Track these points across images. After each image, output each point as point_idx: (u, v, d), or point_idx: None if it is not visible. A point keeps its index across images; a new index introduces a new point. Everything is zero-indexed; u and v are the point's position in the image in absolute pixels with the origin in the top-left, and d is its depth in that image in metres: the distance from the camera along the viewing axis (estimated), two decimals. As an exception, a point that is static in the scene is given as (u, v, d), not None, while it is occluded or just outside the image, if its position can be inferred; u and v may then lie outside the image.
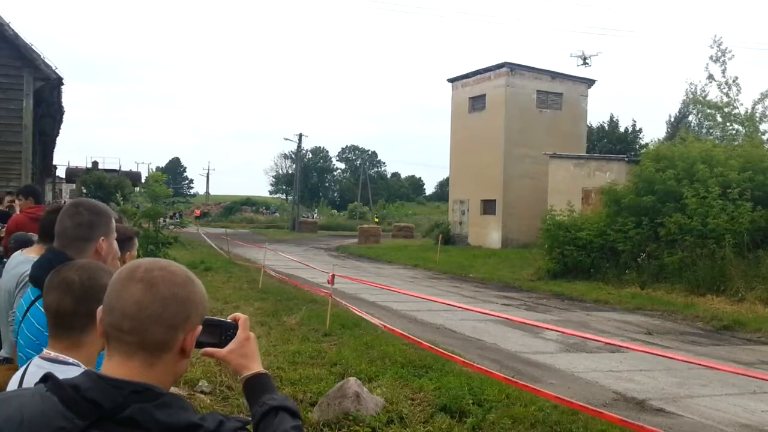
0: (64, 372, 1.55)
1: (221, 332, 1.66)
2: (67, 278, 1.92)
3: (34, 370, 1.79)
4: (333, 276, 11.17)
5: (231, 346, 1.65)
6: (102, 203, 2.56)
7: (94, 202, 2.53)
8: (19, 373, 1.89)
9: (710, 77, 28.27)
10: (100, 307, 1.44)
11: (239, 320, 1.69)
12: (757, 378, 5.69)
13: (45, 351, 1.89)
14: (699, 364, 5.42)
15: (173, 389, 1.46)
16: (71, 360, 1.86)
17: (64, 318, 1.90)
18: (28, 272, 2.63)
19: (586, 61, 43.66)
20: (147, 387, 1.35)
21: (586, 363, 9.53)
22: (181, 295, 1.41)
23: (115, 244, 2.60)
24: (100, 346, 1.82)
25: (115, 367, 1.38)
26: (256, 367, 1.69)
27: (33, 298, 2.48)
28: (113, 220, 2.52)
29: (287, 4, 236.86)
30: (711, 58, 28.16)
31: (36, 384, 1.40)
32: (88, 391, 1.32)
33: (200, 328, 1.47)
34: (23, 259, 3.37)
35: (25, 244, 5.68)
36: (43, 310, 1.97)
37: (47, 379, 1.39)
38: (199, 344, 1.56)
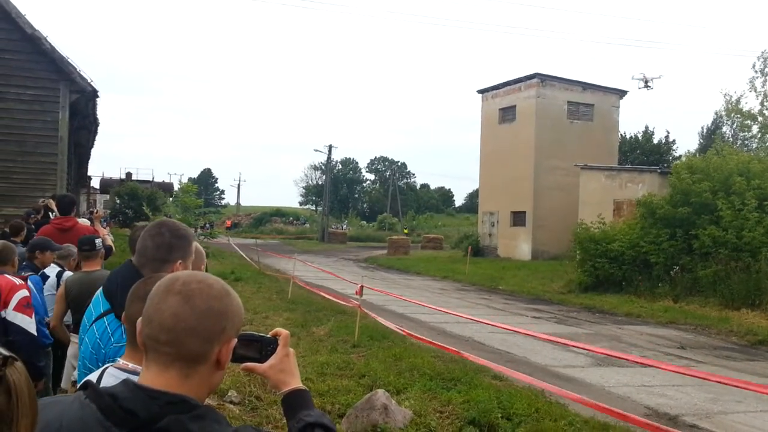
0: None
1: (262, 347, 1.68)
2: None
3: (110, 380, 1.80)
4: (362, 287, 11.18)
5: (271, 361, 1.67)
6: (185, 226, 2.59)
7: (177, 225, 2.56)
8: (92, 378, 1.92)
9: (753, 87, 28.09)
10: (140, 318, 1.46)
11: (280, 336, 1.71)
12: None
13: (122, 362, 1.90)
14: (732, 384, 5.30)
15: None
16: None
17: None
18: None
19: (648, 84, 41.86)
20: (182, 398, 1.37)
21: (618, 377, 9.39)
22: (217, 307, 1.43)
23: (190, 268, 2.63)
24: None
25: (152, 377, 1.40)
26: (295, 382, 1.71)
27: (102, 312, 2.53)
28: (193, 245, 2.56)
29: (319, 18, 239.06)
30: (754, 67, 28.07)
31: (77, 391, 1.43)
32: (125, 400, 1.35)
33: (235, 340, 1.48)
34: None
35: (37, 247, 5.84)
36: (122, 321, 1.98)
37: (87, 386, 1.42)
38: (240, 358, 1.60)
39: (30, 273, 5.57)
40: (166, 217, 17.35)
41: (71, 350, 4.75)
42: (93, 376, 1.90)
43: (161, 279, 1.50)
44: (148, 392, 1.36)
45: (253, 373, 1.70)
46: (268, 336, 1.71)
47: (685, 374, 7.00)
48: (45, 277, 5.71)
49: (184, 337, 1.39)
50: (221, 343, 1.44)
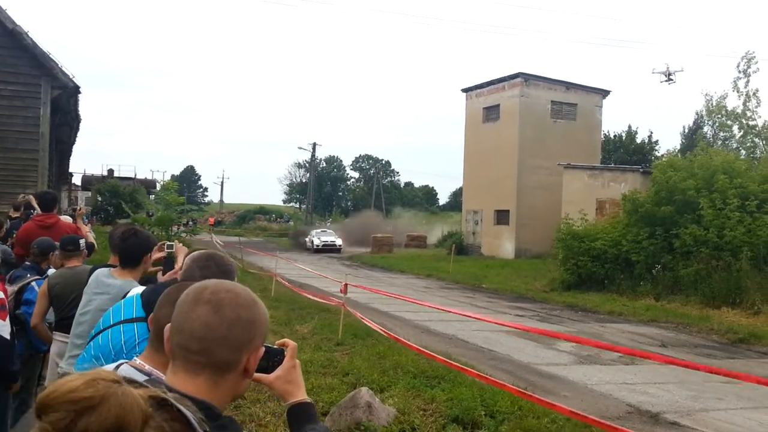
0: None
1: (269, 358, 1.69)
2: None
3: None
4: (346, 285, 11.17)
5: (278, 372, 1.69)
6: (231, 261, 2.67)
7: (224, 259, 2.63)
8: (109, 368, 1.90)
9: (735, 87, 28.37)
10: (168, 326, 1.48)
11: (287, 347, 1.73)
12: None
13: (139, 361, 1.90)
14: (716, 372, 5.36)
15: None
16: (163, 378, 1.89)
17: None
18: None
19: (671, 77, 40.12)
20: (209, 406, 1.38)
21: (600, 375, 9.45)
22: (245, 317, 1.45)
23: None
24: None
25: (181, 382, 1.41)
26: (301, 394, 1.73)
27: (134, 317, 2.53)
28: (236, 277, 2.62)
29: (302, 15, 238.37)
30: (738, 67, 28.35)
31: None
32: None
33: (263, 350, 1.51)
34: (123, 283, 3.53)
35: (49, 249, 5.74)
36: (148, 322, 2.00)
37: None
38: None
39: (36, 276, 5.49)
40: (143, 218, 17.13)
41: (54, 348, 4.69)
42: (109, 368, 1.89)
43: (190, 287, 1.52)
44: (177, 395, 1.38)
45: (259, 383, 1.70)
46: (276, 347, 1.72)
47: (670, 363, 7.07)
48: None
49: (214, 346, 1.41)
50: (249, 352, 1.46)
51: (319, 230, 48.54)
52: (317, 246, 42.39)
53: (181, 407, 1.09)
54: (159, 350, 1.90)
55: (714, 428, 7.15)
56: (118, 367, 1.87)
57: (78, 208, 9.01)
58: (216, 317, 1.42)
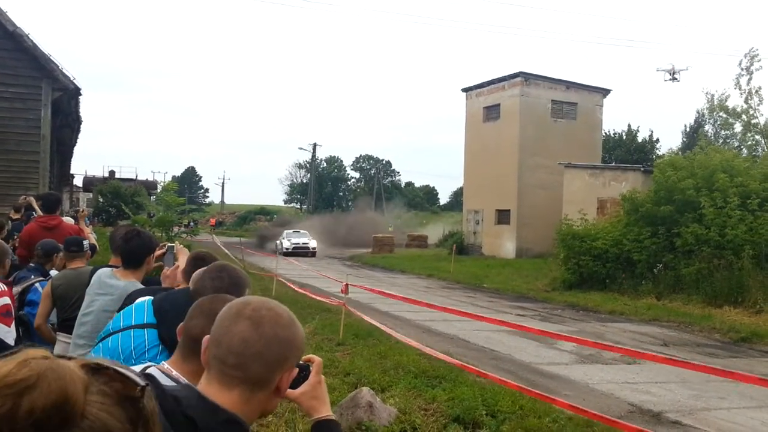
0: None
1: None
2: (217, 311, 1.96)
3: None
4: (347, 285, 11.18)
5: (304, 388, 1.70)
6: (242, 273, 2.69)
7: (236, 271, 2.65)
8: (136, 369, 1.91)
9: (737, 85, 28.31)
10: (206, 336, 1.50)
11: (313, 363, 1.74)
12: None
13: (167, 366, 1.92)
14: (714, 372, 5.36)
15: None
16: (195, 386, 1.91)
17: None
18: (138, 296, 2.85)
19: (675, 76, 39.99)
20: (238, 421, 1.41)
21: (602, 374, 9.45)
22: (283, 336, 1.48)
23: None
24: None
25: (214, 393, 1.44)
26: (326, 410, 1.75)
27: (145, 323, 2.55)
28: (247, 290, 2.65)
29: (303, 15, 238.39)
30: (740, 64, 28.28)
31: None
32: (189, 408, 1.38)
33: (296, 370, 1.54)
34: (127, 284, 3.57)
35: (53, 251, 5.75)
36: (177, 330, 2.02)
37: (150, 380, 1.42)
38: None
39: (40, 278, 5.50)
40: (144, 219, 17.11)
41: (58, 349, 4.69)
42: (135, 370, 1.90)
43: (232, 302, 1.54)
44: (212, 406, 1.40)
45: (285, 398, 1.70)
46: (301, 362, 1.73)
47: (670, 363, 7.06)
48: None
49: (250, 362, 1.44)
50: (284, 371, 1.49)
51: (290, 231, 43.36)
52: (287, 249, 37.09)
53: (116, 366, 1.08)
54: (187, 359, 1.93)
55: (716, 427, 7.15)
56: (144, 369, 1.89)
57: (80, 209, 9.03)
58: (255, 334, 1.45)
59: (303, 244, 39.01)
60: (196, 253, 3.51)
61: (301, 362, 1.72)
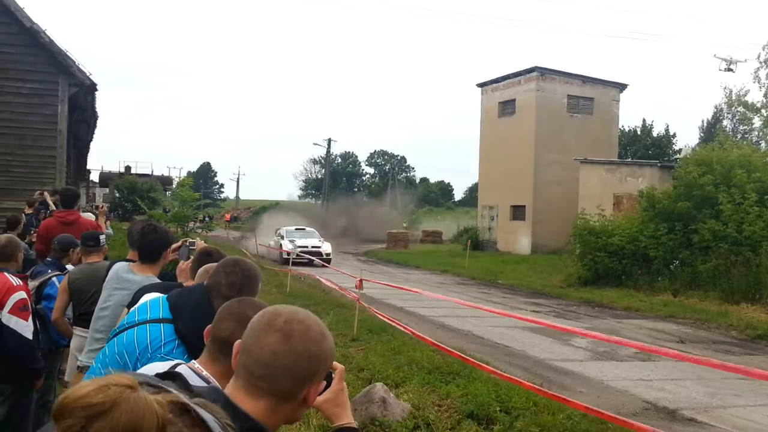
0: None
1: None
2: (246, 314, 1.95)
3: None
4: (361, 281, 11.19)
5: (326, 395, 1.70)
6: (255, 267, 2.70)
7: (249, 265, 2.66)
8: (164, 366, 1.94)
9: (756, 78, 27.91)
10: (238, 341, 1.52)
11: (335, 370, 1.74)
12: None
13: (197, 365, 1.94)
14: (733, 369, 5.32)
15: None
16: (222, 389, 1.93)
17: (231, 348, 1.95)
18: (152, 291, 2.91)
19: (731, 67, 37.33)
20: (263, 429, 1.43)
21: (616, 371, 9.41)
22: (313, 350, 1.49)
23: None
24: None
25: (241, 399, 1.45)
26: (347, 418, 1.75)
27: (161, 317, 2.58)
28: (260, 284, 2.68)
29: (319, 11, 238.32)
30: (758, 58, 27.88)
31: (164, 377, 1.45)
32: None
33: (324, 383, 1.55)
34: (143, 279, 3.74)
35: (69, 246, 5.80)
36: (205, 333, 2.03)
37: (176, 378, 1.45)
38: None
39: (57, 272, 5.55)
40: (159, 213, 17.24)
41: (74, 343, 4.74)
42: (162, 367, 1.92)
43: (264, 310, 1.55)
44: (237, 411, 1.41)
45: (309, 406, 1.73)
46: None
47: (689, 361, 7.00)
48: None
49: (279, 375, 1.45)
50: (312, 384, 1.50)
51: (292, 228, 31.75)
52: (290, 254, 22.01)
53: (201, 412, 1.10)
54: (216, 360, 1.95)
55: (731, 424, 7.10)
56: (174, 366, 1.91)
57: (100, 206, 9.12)
58: (285, 347, 1.45)
59: (313, 247, 27.73)
60: (203, 248, 3.54)
61: None
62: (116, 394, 1.00)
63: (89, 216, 8.12)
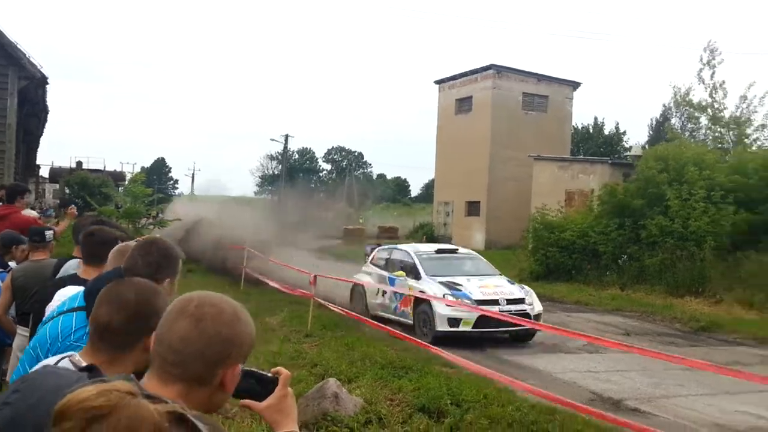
0: None
1: (262, 385, 1.69)
2: (124, 296, 1.93)
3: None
4: (315, 277, 11.20)
5: (269, 401, 1.68)
6: (174, 246, 2.64)
7: (166, 244, 2.61)
8: (51, 361, 1.91)
9: (700, 79, 28.47)
10: (154, 333, 1.50)
11: (281, 375, 1.73)
12: (729, 375, 5.79)
13: (78, 358, 1.88)
14: (676, 360, 5.51)
15: None
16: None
17: (112, 334, 1.90)
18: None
19: (711, 62, 38.19)
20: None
21: (564, 363, 9.63)
22: (225, 333, 1.46)
23: (176, 285, 2.68)
24: (134, 367, 1.84)
25: (153, 386, 1.43)
26: (291, 425, 1.71)
27: (75, 306, 2.53)
28: (180, 263, 2.61)
29: (275, 5, 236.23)
30: (701, 60, 28.40)
31: (80, 371, 1.43)
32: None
33: (240, 366, 1.52)
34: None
35: (12, 242, 5.69)
36: (89, 321, 1.99)
37: (92, 371, 1.44)
38: (239, 394, 1.61)
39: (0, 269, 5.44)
40: (111, 210, 16.90)
41: (17, 342, 4.65)
42: (50, 361, 1.91)
43: (178, 298, 1.52)
44: (149, 397, 1.41)
45: (250, 409, 1.71)
46: (270, 374, 1.72)
47: (630, 351, 7.20)
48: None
49: (190, 360, 1.43)
50: (226, 368, 1.47)
51: (429, 249, 14.86)
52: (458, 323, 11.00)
53: (198, 424, 1.10)
54: (98, 349, 1.90)
55: (674, 414, 7.34)
56: (58, 362, 1.88)
57: (70, 207, 8.94)
58: (195, 332, 1.43)
59: (514, 301, 12.00)
60: (139, 242, 3.46)
61: (269, 374, 1.71)
62: (117, 399, 1.01)
63: (31, 213, 7.94)
